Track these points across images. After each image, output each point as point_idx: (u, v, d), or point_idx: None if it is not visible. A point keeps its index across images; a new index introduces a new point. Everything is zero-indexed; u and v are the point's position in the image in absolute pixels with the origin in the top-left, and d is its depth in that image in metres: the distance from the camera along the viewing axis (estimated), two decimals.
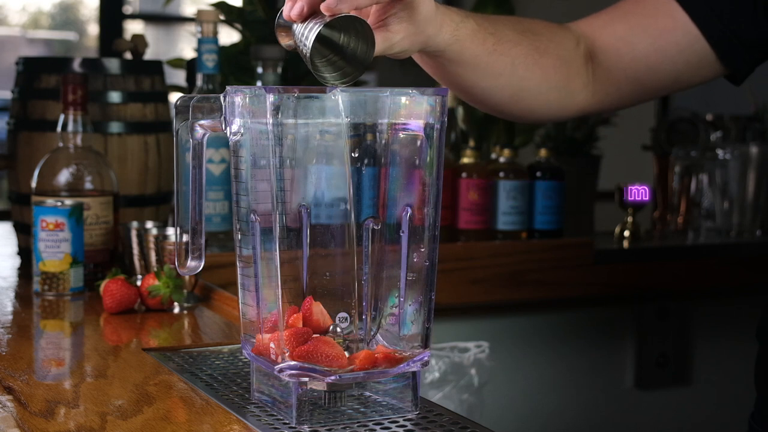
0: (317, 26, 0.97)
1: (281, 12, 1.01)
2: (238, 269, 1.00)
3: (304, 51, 0.98)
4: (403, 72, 2.54)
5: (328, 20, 0.97)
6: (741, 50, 1.23)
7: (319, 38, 0.97)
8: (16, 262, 1.76)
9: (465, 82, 1.22)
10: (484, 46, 1.18)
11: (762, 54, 1.25)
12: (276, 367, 0.95)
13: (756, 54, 1.25)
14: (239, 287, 1.01)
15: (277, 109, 0.92)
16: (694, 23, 1.23)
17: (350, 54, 0.99)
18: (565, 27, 1.28)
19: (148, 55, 1.89)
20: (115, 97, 1.70)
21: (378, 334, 0.98)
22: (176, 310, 1.42)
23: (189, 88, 1.97)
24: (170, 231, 1.50)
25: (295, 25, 1.00)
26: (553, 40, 1.25)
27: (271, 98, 0.92)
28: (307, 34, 0.98)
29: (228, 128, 0.99)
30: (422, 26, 1.08)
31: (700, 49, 1.24)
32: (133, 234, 1.50)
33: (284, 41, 1.03)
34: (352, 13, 0.99)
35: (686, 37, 1.24)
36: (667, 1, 1.24)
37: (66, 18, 6.27)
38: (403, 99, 0.96)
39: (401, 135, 0.96)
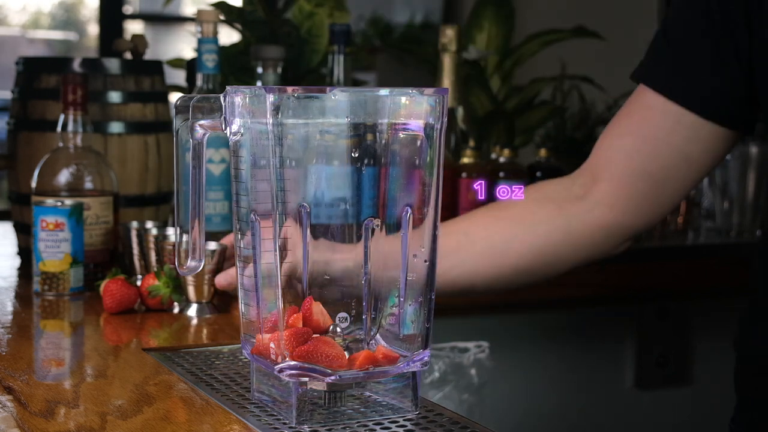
0: None
1: None
2: (238, 269, 1.00)
3: None
4: (403, 72, 2.54)
5: None
6: (734, 108, 1.23)
7: None
8: (16, 262, 1.76)
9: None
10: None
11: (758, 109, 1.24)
12: (276, 367, 0.95)
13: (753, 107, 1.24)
14: (239, 287, 1.01)
15: (277, 109, 0.92)
16: (691, 112, 1.23)
17: None
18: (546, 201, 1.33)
19: (148, 55, 1.89)
20: (115, 97, 1.70)
21: (378, 334, 0.98)
22: (175, 310, 1.42)
23: (189, 88, 1.97)
24: (170, 231, 1.50)
25: None
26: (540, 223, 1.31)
27: (271, 98, 0.92)
28: None
29: (228, 128, 0.99)
30: None
31: (706, 135, 1.24)
32: (133, 234, 1.50)
33: None
34: None
35: (690, 130, 1.24)
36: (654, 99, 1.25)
37: (66, 18, 6.27)
38: (403, 99, 0.96)
39: (401, 135, 0.96)
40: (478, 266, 1.30)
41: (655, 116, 1.24)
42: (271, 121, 0.92)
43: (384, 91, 0.95)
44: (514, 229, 1.31)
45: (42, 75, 1.71)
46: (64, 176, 1.55)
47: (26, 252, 1.71)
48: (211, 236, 1.67)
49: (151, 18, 4.98)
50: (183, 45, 4.86)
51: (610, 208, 1.28)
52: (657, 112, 1.24)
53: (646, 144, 1.25)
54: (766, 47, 1.15)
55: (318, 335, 0.96)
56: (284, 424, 0.96)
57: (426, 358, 0.99)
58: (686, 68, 1.22)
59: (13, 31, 6.10)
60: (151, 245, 1.48)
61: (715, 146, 1.25)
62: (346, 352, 0.95)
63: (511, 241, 1.30)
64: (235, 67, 2.00)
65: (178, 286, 1.40)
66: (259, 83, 1.84)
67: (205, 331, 1.35)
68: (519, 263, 1.30)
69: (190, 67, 1.96)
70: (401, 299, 0.97)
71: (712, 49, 1.19)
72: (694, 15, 1.21)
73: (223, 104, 0.99)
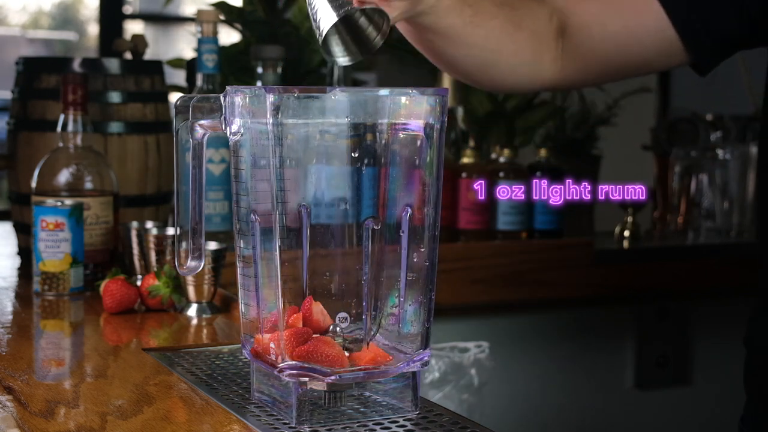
0: (343, 9, 1.00)
1: None
2: (238, 269, 1.00)
3: (322, 26, 1.00)
4: (403, 72, 2.54)
5: (353, 8, 1.00)
6: (707, 42, 1.23)
7: (343, 20, 1.00)
8: (16, 262, 1.76)
9: (436, 49, 1.24)
10: (461, 17, 1.19)
11: (729, 49, 1.25)
12: (276, 367, 0.95)
13: (723, 48, 1.24)
14: (239, 287, 1.01)
15: (277, 109, 0.92)
16: (664, 9, 1.23)
17: (362, 40, 1.02)
18: (542, 0, 1.29)
19: (148, 55, 1.89)
20: (115, 97, 1.70)
21: (378, 334, 0.98)
22: (187, 312, 1.41)
23: (189, 88, 1.97)
24: (170, 231, 1.50)
25: None
26: (529, 14, 1.26)
27: (271, 98, 0.92)
28: (328, 11, 1.01)
29: (228, 128, 0.99)
30: (417, 2, 1.11)
31: (670, 36, 1.23)
32: (133, 234, 1.50)
33: None
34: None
35: (657, 23, 1.23)
36: None
37: (66, 18, 6.27)
38: (403, 99, 0.96)
39: (401, 135, 0.96)
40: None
41: (649, 13, 1.23)
42: (271, 121, 0.92)
43: (384, 91, 0.95)
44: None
45: (42, 75, 1.71)
46: (64, 176, 1.55)
47: (26, 252, 1.71)
48: (211, 236, 1.68)
49: (151, 18, 4.98)
50: (183, 45, 4.86)
51: (561, 69, 1.29)
52: (651, 9, 1.23)
53: (622, 35, 1.25)
54: None
55: (318, 335, 0.96)
56: (284, 424, 0.96)
57: (426, 358, 0.99)
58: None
59: (13, 31, 6.10)
60: (151, 245, 1.48)
61: (670, 65, 1.27)
62: (346, 352, 0.95)
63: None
64: (235, 67, 2.00)
65: (178, 286, 1.40)
66: (259, 83, 1.84)
67: (205, 331, 1.35)
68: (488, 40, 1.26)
69: (190, 67, 1.96)
70: (401, 299, 0.97)
71: None
72: None
73: (223, 104, 0.99)
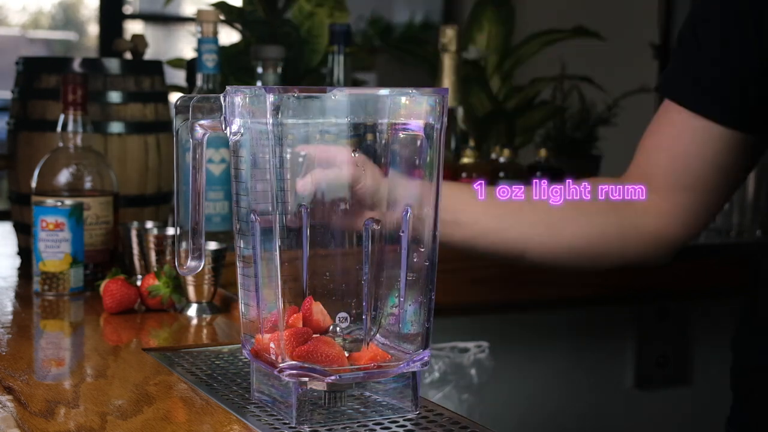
0: None
1: None
2: (238, 269, 1.00)
3: None
4: (403, 72, 2.54)
5: None
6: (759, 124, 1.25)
7: None
8: (16, 262, 1.76)
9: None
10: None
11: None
12: (276, 367, 0.95)
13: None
14: (239, 287, 1.01)
15: (277, 109, 0.92)
16: (720, 126, 1.25)
17: None
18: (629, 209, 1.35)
19: (148, 55, 1.89)
20: (115, 97, 1.70)
21: (378, 334, 0.98)
22: (187, 312, 1.41)
23: (189, 88, 1.97)
24: (170, 231, 1.50)
25: None
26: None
27: (271, 98, 0.92)
28: None
29: (228, 128, 0.99)
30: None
31: (738, 138, 1.26)
32: (133, 234, 1.50)
33: None
34: None
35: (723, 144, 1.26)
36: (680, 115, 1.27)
37: (66, 18, 6.26)
38: (403, 99, 0.96)
39: (401, 135, 0.96)
40: (534, 233, 1.31)
41: (684, 132, 1.26)
42: (271, 121, 0.92)
43: (384, 91, 0.95)
44: (572, 212, 1.33)
45: (42, 75, 1.71)
46: (64, 176, 1.55)
47: (26, 252, 1.71)
48: (211, 236, 1.68)
49: (151, 18, 4.98)
50: (183, 45, 4.86)
51: (658, 218, 1.32)
52: (685, 128, 1.26)
53: (678, 161, 1.28)
54: None
55: (318, 335, 0.96)
56: (284, 424, 0.96)
57: (426, 358, 0.99)
58: (706, 79, 1.23)
59: (13, 31, 6.10)
60: (151, 245, 1.48)
61: (745, 152, 1.27)
62: (346, 352, 0.95)
63: (569, 220, 1.33)
64: (235, 67, 2.00)
65: (178, 286, 1.40)
66: (259, 83, 1.84)
67: (205, 331, 1.35)
68: (573, 243, 1.32)
69: (190, 67, 1.96)
70: (401, 299, 0.97)
71: (728, 56, 1.21)
72: (709, 25, 1.22)
73: (223, 104, 0.99)
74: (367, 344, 0.96)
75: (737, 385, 1.27)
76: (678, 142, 1.28)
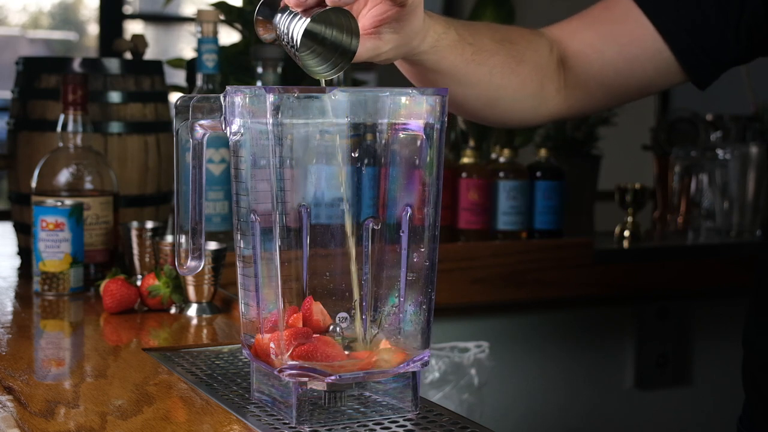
0: (304, 20, 0.97)
1: (260, 5, 1.01)
2: (238, 269, 1.00)
3: (291, 44, 0.99)
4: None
5: (315, 13, 0.97)
6: (707, 62, 1.25)
7: (307, 32, 0.97)
8: (16, 262, 1.76)
9: None
10: (462, 56, 1.18)
11: (727, 66, 1.27)
12: (276, 367, 0.95)
13: (720, 65, 1.26)
14: (239, 287, 1.01)
15: (277, 109, 0.92)
16: (659, 33, 1.24)
17: (336, 46, 1.00)
18: (540, 33, 1.30)
19: (148, 55, 1.89)
20: (115, 97, 1.70)
21: (378, 334, 0.98)
22: (173, 310, 1.41)
23: (189, 88, 1.97)
24: (170, 231, 1.50)
25: (277, 18, 1.01)
26: (530, 47, 1.26)
27: (271, 98, 0.92)
28: (293, 28, 0.98)
29: (228, 128, 0.99)
30: (410, 38, 1.10)
31: (667, 58, 1.25)
32: (133, 234, 1.50)
33: (264, 34, 1.03)
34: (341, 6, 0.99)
35: (654, 45, 1.25)
36: (636, 10, 1.25)
37: (66, 18, 6.26)
38: (403, 99, 0.96)
39: (401, 135, 0.96)
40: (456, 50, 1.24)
41: (645, 37, 1.25)
42: (271, 121, 0.92)
43: (384, 91, 0.95)
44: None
45: (42, 75, 1.71)
46: (64, 176, 1.55)
47: (26, 252, 1.71)
48: (211, 236, 1.68)
49: (151, 18, 4.98)
50: (183, 45, 4.86)
51: (565, 99, 1.29)
52: (647, 33, 1.25)
53: (620, 62, 1.26)
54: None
55: (318, 335, 0.96)
56: (284, 424, 0.96)
57: (426, 358, 0.99)
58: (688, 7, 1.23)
59: (13, 31, 6.10)
60: (151, 245, 1.48)
61: (671, 83, 1.28)
62: (346, 352, 0.95)
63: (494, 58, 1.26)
64: (235, 67, 2.00)
65: (178, 286, 1.40)
66: (259, 83, 1.84)
67: (205, 331, 1.35)
68: (493, 72, 1.26)
69: (190, 67, 1.96)
70: (401, 299, 0.97)
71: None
72: None
73: (223, 104, 0.99)
74: (368, 344, 0.96)
75: (749, 382, 1.26)
76: (626, 37, 1.26)
